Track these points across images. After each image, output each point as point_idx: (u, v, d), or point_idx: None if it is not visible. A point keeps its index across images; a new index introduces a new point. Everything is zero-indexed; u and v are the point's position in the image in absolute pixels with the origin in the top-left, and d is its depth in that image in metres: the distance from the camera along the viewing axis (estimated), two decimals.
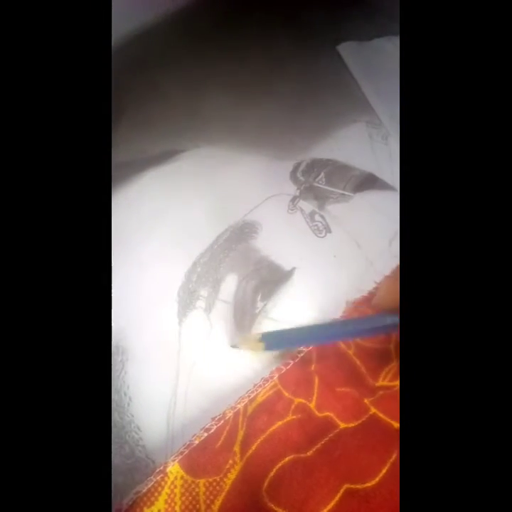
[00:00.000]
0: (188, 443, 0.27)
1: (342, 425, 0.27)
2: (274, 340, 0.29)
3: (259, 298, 0.33)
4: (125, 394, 0.30)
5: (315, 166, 0.38)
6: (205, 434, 0.27)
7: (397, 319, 0.26)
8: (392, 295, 0.27)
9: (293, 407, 0.28)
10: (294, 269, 0.34)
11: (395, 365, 0.29)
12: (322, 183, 0.37)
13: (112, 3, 0.23)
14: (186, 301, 0.33)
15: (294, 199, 0.37)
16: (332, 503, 0.26)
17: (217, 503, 0.26)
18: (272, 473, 0.26)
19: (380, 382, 0.28)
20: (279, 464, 0.27)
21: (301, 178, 0.38)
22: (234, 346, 0.30)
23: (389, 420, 0.27)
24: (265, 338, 0.29)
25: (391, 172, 0.37)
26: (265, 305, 0.33)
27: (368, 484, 0.26)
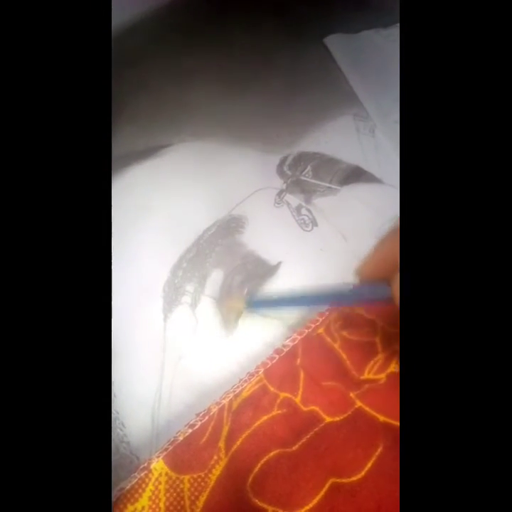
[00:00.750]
0: (172, 439, 0.27)
1: (327, 419, 0.27)
2: (255, 301, 0.30)
3: (245, 293, 0.33)
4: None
5: (302, 160, 0.38)
6: (190, 430, 0.27)
7: (375, 292, 0.26)
8: (378, 264, 0.27)
9: (278, 401, 0.28)
10: (280, 263, 0.34)
11: (380, 358, 0.28)
12: (309, 176, 0.37)
13: None
14: (172, 296, 0.33)
15: (280, 193, 0.37)
16: (318, 498, 0.26)
17: (202, 499, 0.26)
18: (256, 469, 0.26)
19: (366, 376, 0.28)
20: (264, 459, 0.26)
21: (288, 172, 0.38)
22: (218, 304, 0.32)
23: (374, 414, 0.27)
24: (249, 297, 0.30)
25: (378, 164, 0.37)
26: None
27: (354, 478, 0.26)
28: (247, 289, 0.33)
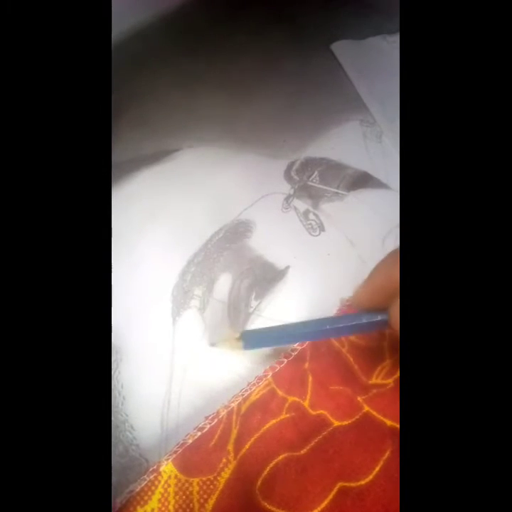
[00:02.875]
0: (181, 442, 0.27)
1: (336, 423, 0.27)
2: (253, 339, 0.29)
3: (253, 297, 0.33)
4: (119, 393, 0.30)
5: (309, 165, 0.38)
6: (199, 433, 0.27)
7: (373, 321, 0.26)
8: (370, 294, 0.27)
9: (287, 405, 0.28)
10: (287, 267, 0.34)
11: (388, 363, 0.29)
12: (316, 181, 0.37)
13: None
14: (180, 300, 0.33)
15: (288, 198, 0.37)
16: (326, 502, 0.26)
17: (211, 502, 0.26)
18: (265, 472, 0.26)
19: (374, 380, 0.28)
20: (273, 463, 0.26)
21: (295, 177, 0.38)
22: (212, 345, 0.31)
23: (382, 418, 0.27)
24: (244, 336, 0.29)
25: (385, 170, 0.37)
26: (259, 304, 0.33)
27: (362, 482, 0.26)
28: (255, 293, 0.33)
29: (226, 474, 0.26)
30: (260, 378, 0.29)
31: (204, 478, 0.26)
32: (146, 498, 0.26)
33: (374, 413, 0.27)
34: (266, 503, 0.26)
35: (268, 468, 0.26)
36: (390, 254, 0.27)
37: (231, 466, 0.27)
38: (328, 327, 0.28)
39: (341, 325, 0.28)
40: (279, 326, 0.29)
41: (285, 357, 0.29)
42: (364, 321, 0.27)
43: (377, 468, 0.26)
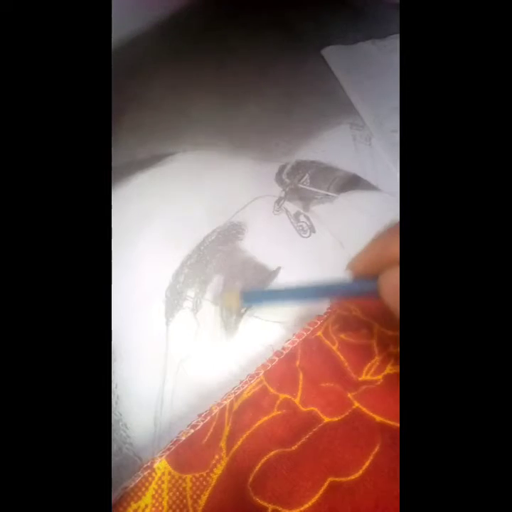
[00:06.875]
0: (174, 439, 0.27)
1: (326, 419, 0.28)
2: (252, 296, 0.32)
3: (239, 290, 0.33)
4: (113, 393, 0.30)
5: (300, 168, 0.39)
6: (192, 431, 0.28)
7: (365, 287, 0.27)
8: (365, 262, 0.27)
9: (278, 402, 0.28)
10: (278, 268, 0.34)
11: (377, 360, 0.29)
12: (307, 184, 0.38)
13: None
14: (173, 301, 0.33)
15: (279, 200, 0.37)
16: (316, 496, 0.26)
17: (204, 497, 0.26)
18: (257, 468, 0.27)
19: (363, 377, 0.29)
20: (265, 459, 0.27)
21: (287, 180, 0.38)
22: (216, 303, 0.33)
23: (371, 414, 0.28)
24: (244, 293, 0.31)
25: (374, 173, 0.38)
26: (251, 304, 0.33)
27: (352, 477, 0.26)
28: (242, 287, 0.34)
29: (218, 470, 0.27)
30: (252, 376, 0.29)
31: (197, 475, 0.27)
32: (139, 494, 0.26)
33: (364, 409, 0.28)
34: (257, 498, 0.26)
35: (260, 465, 0.27)
36: (389, 230, 0.27)
37: (223, 463, 0.27)
38: (322, 290, 0.30)
39: (335, 288, 0.29)
40: (276, 288, 0.32)
41: (276, 355, 0.30)
42: (356, 287, 0.28)
43: (367, 463, 0.27)
